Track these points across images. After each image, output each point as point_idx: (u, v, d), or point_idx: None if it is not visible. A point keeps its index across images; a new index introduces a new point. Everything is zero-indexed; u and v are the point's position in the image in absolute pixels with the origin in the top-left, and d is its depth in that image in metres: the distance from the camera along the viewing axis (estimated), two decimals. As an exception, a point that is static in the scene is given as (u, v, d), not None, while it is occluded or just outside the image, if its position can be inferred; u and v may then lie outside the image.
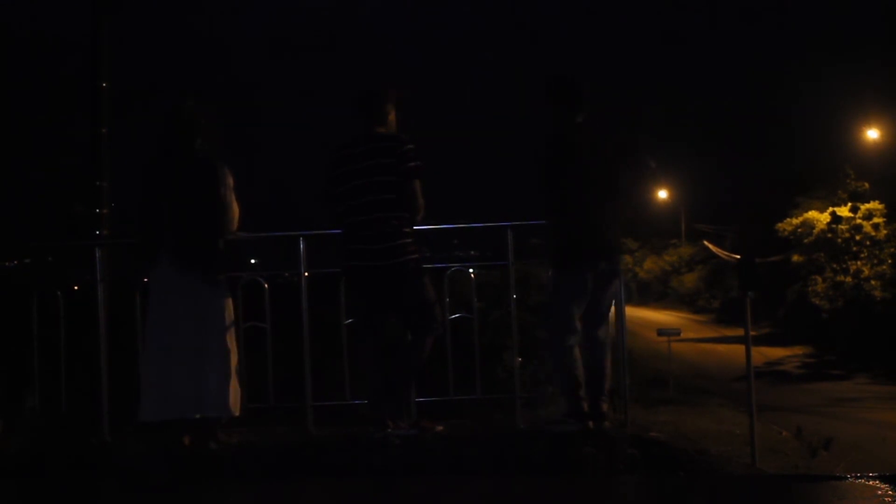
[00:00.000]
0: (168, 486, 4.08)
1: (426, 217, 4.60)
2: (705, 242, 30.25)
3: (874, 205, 18.54)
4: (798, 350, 17.84)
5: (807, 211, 19.91)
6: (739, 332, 5.46)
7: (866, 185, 19.63)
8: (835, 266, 18.38)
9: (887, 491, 3.67)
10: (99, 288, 5.11)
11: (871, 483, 3.82)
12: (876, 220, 18.27)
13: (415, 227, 4.58)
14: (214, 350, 4.48)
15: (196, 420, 4.48)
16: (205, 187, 4.55)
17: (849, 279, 17.88)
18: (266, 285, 5.29)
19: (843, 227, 18.34)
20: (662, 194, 44.96)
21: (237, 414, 4.54)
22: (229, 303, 4.63)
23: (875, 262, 17.87)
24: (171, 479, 4.16)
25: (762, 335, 19.16)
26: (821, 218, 18.98)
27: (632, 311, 8.70)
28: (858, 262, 17.98)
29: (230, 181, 4.66)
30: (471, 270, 5.52)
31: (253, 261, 11.14)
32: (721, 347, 17.92)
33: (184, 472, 4.26)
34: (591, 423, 4.40)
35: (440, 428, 4.64)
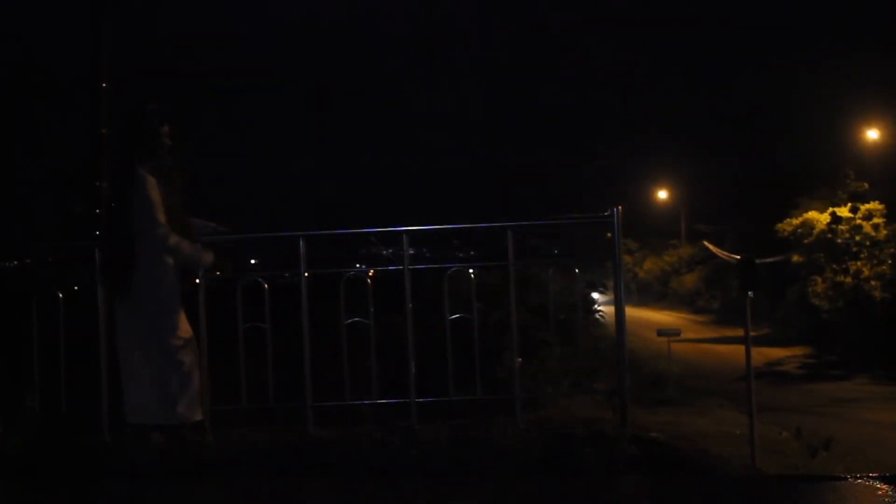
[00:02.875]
0: (168, 485, 4.09)
1: None
2: (705, 242, 30.25)
3: (874, 205, 18.54)
4: (798, 350, 17.83)
5: (807, 211, 19.89)
6: (739, 332, 5.45)
7: (866, 185, 19.62)
8: (835, 266, 18.37)
9: (887, 491, 3.67)
10: (99, 288, 5.11)
11: (871, 483, 3.82)
12: (876, 220, 18.27)
13: (413, 228, 4.62)
14: (166, 361, 4.43)
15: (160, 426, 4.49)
16: (129, 200, 4.37)
17: (849, 279, 17.86)
18: (266, 286, 5.29)
19: (842, 227, 18.33)
20: (662, 194, 44.94)
21: (199, 418, 4.52)
22: (174, 315, 4.50)
23: (875, 262, 17.86)
24: (172, 478, 4.16)
25: (762, 335, 19.14)
26: (821, 218, 18.97)
27: (632, 312, 8.69)
28: (858, 263, 17.97)
29: (152, 192, 4.37)
30: (471, 271, 5.52)
31: (253, 261, 11.14)
32: (721, 347, 17.91)
33: (184, 471, 4.26)
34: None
35: None
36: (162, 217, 4.33)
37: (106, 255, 4.52)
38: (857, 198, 19.10)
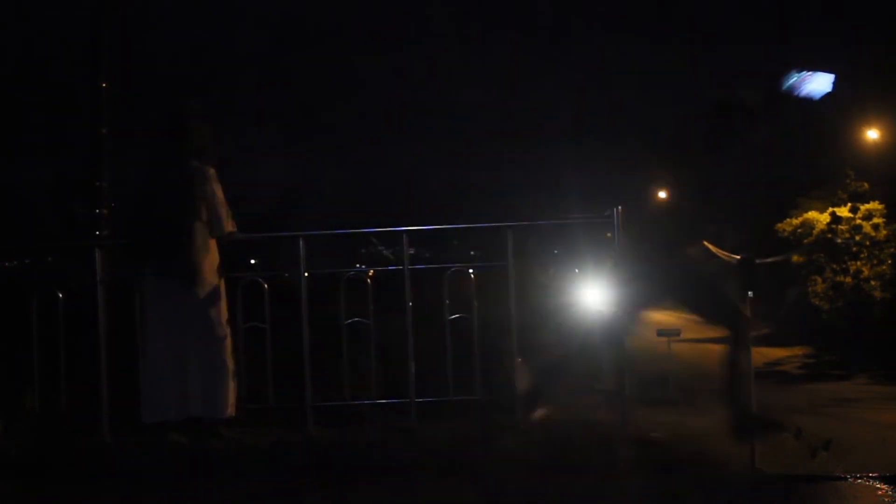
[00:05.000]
0: (168, 485, 4.09)
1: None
2: (705, 242, 30.23)
3: (874, 205, 18.53)
4: (798, 350, 17.78)
5: (807, 211, 19.86)
6: (740, 332, 5.44)
7: (866, 185, 19.59)
8: (835, 266, 18.35)
9: (887, 491, 3.67)
10: (99, 288, 5.11)
11: (871, 483, 3.83)
12: (876, 220, 18.27)
13: (413, 228, 4.65)
14: (208, 352, 4.51)
15: (195, 420, 4.51)
16: (189, 191, 4.54)
17: (849, 279, 17.85)
18: (266, 285, 5.29)
19: (842, 227, 18.34)
20: (662, 194, 44.92)
21: (233, 413, 4.57)
22: (222, 304, 4.63)
23: (875, 262, 17.85)
24: (172, 478, 4.16)
25: (762, 335, 19.11)
26: (821, 218, 18.96)
27: (632, 312, 8.65)
28: (858, 263, 17.96)
29: (214, 185, 4.63)
30: (470, 271, 5.53)
31: (253, 261, 11.13)
32: (721, 347, 17.85)
33: (184, 471, 4.26)
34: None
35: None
36: (224, 208, 4.61)
37: (160, 243, 4.55)
38: (857, 198, 19.05)
